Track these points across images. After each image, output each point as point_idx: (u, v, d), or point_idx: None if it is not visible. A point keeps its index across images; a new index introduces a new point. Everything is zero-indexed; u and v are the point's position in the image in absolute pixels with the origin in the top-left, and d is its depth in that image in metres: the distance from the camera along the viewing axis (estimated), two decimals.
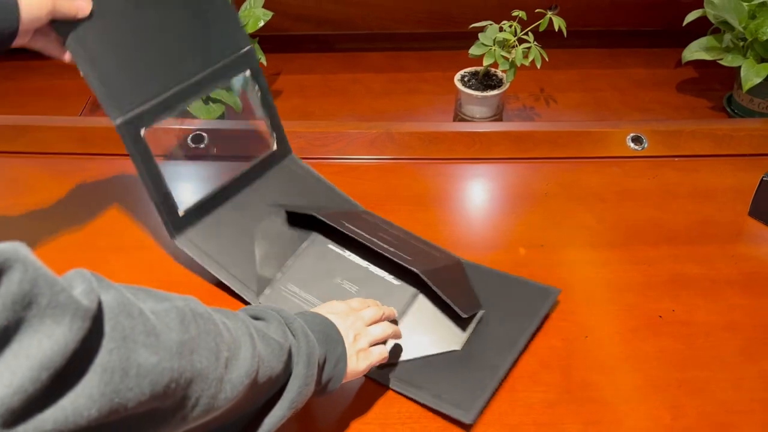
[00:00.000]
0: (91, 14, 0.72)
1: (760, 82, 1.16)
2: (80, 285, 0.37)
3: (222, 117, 1.21)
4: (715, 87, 1.35)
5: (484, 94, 1.20)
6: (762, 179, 0.91)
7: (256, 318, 0.58)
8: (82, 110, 1.36)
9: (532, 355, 0.77)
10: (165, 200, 0.82)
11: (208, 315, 0.47)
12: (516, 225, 0.94)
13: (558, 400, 0.72)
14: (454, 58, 1.27)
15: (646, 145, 1.04)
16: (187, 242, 0.84)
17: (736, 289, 0.84)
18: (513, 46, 1.16)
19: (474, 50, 1.16)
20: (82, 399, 0.34)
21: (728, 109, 1.30)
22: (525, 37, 1.16)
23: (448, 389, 0.72)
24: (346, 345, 0.64)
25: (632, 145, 1.04)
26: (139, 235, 0.93)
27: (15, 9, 0.63)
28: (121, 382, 0.36)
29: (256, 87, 0.92)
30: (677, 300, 0.82)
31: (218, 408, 0.46)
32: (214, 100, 1.20)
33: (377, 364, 0.69)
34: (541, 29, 1.16)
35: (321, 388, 0.62)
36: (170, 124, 1.06)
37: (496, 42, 1.15)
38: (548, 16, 1.15)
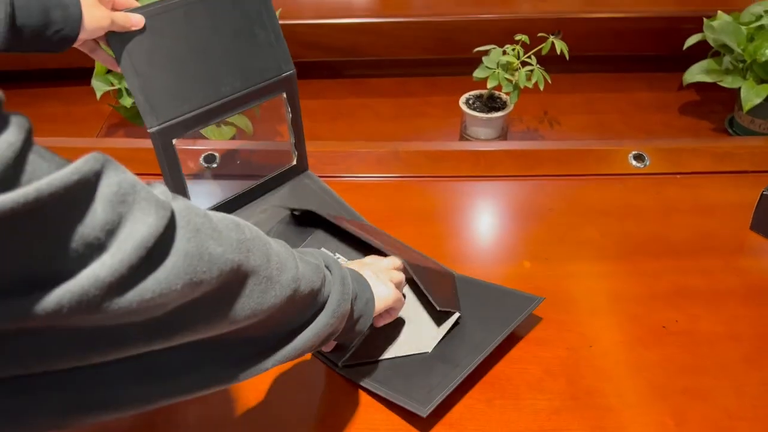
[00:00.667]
0: (144, 29, 0.77)
1: (760, 103, 1.18)
2: (158, 188, 0.46)
3: (233, 138, 1.24)
4: (716, 109, 1.38)
5: (489, 115, 1.22)
6: (762, 193, 0.92)
7: None
8: (97, 135, 1.40)
9: (537, 364, 0.78)
10: None
11: (257, 228, 0.55)
12: (521, 240, 0.96)
13: (563, 407, 0.73)
14: (460, 83, 1.30)
15: (648, 163, 1.06)
16: None
17: (738, 300, 0.85)
18: (516, 69, 1.18)
19: (478, 73, 1.19)
20: (172, 275, 0.42)
21: (730, 130, 1.32)
22: (528, 60, 1.19)
23: (408, 384, 0.73)
24: (371, 282, 0.69)
25: (634, 162, 1.06)
26: None
27: (78, 19, 0.72)
28: (197, 265, 0.44)
29: (289, 108, 0.95)
30: (680, 310, 0.83)
31: (265, 307, 0.52)
32: (226, 123, 1.23)
33: (400, 306, 0.75)
34: (543, 52, 1.18)
35: (352, 323, 0.66)
36: (183, 145, 1.09)
37: (500, 65, 1.18)
38: (551, 39, 1.18)
